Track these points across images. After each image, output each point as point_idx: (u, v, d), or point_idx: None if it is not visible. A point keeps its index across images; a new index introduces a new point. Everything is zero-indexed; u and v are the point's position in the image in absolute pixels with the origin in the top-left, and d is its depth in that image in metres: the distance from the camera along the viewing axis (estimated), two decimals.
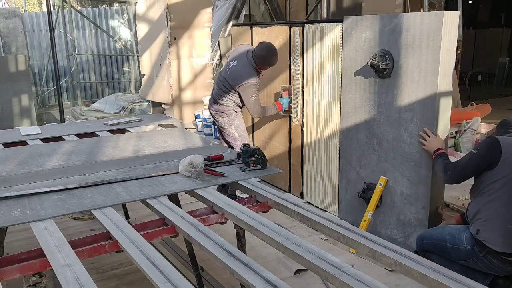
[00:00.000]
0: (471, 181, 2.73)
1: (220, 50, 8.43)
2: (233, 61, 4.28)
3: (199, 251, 2.27)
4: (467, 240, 2.66)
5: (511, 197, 2.54)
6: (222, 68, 4.52)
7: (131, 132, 3.95)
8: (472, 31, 12.85)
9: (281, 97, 4.41)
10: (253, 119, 5.07)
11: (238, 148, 4.22)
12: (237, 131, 4.34)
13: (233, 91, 4.21)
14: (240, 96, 4.21)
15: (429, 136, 3.07)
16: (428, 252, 2.86)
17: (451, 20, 3.02)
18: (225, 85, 4.25)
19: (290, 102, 4.38)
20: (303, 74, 4.26)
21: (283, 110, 4.37)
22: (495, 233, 2.56)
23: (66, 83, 11.41)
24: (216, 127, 6.70)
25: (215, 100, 4.36)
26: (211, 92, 4.62)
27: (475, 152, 2.65)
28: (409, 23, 3.16)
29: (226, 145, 4.38)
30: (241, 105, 4.33)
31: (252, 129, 5.16)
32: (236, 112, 4.34)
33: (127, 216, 4.03)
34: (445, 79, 3.09)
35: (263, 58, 4.14)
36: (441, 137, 3.11)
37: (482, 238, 2.59)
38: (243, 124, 4.45)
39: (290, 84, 4.44)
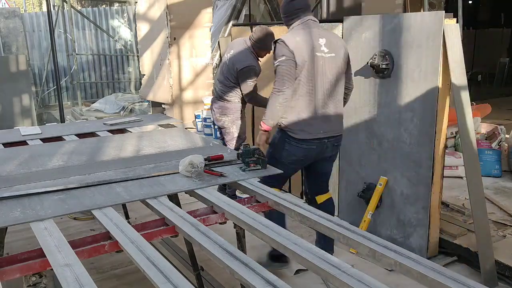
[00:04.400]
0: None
1: (220, 50, 8.43)
2: (230, 52, 4.28)
3: (199, 251, 2.27)
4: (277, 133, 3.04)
5: (308, 88, 2.85)
6: (221, 64, 4.48)
7: (131, 132, 3.94)
8: (472, 31, 12.85)
9: None
10: (253, 119, 5.07)
11: (233, 147, 4.22)
12: (237, 132, 4.33)
13: (235, 80, 4.18)
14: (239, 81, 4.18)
15: None
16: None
17: (451, 20, 3.02)
18: (228, 77, 4.21)
19: None
20: None
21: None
22: (293, 122, 2.84)
23: (66, 83, 11.41)
24: (216, 127, 6.73)
25: (220, 96, 4.30)
26: (211, 92, 4.59)
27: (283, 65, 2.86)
28: (409, 23, 3.16)
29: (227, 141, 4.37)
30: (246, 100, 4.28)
31: (252, 129, 5.15)
32: (241, 111, 4.31)
33: (127, 216, 4.03)
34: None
35: (260, 40, 4.14)
36: None
37: (284, 127, 2.90)
38: (245, 125, 4.44)
39: None
